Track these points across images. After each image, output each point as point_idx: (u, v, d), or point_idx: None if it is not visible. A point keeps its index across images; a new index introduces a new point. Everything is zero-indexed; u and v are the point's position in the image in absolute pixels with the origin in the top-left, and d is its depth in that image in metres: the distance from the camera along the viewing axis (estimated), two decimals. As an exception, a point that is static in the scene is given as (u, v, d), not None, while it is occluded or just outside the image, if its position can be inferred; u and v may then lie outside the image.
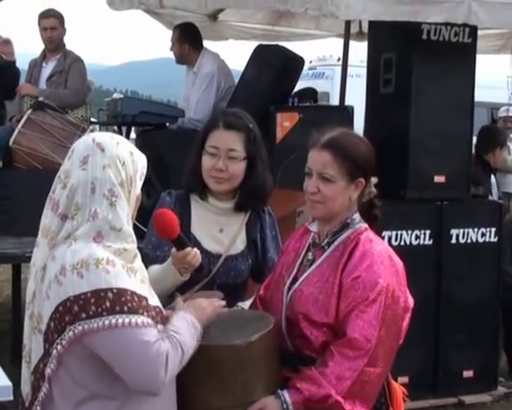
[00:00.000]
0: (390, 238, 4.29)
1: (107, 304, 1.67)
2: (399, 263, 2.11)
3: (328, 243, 2.14)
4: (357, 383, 1.95)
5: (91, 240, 1.73)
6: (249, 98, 4.52)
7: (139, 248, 1.87)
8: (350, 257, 2.07)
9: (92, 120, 5.61)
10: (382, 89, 4.61)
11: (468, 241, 4.53)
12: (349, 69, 6.53)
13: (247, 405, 1.95)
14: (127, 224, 1.78)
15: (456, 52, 4.48)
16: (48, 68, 5.39)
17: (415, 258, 4.28)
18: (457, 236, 4.51)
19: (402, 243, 4.35)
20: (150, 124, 5.09)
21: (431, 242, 4.45)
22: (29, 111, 4.68)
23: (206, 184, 2.44)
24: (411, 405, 3.89)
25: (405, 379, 4.09)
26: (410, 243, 4.39)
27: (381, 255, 2.05)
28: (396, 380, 2.29)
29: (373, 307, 1.98)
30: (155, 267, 2.30)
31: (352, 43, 6.23)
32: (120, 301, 1.68)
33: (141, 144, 5.02)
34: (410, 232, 4.38)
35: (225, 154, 2.39)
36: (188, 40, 5.32)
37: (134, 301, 1.71)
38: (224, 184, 2.42)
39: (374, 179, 2.18)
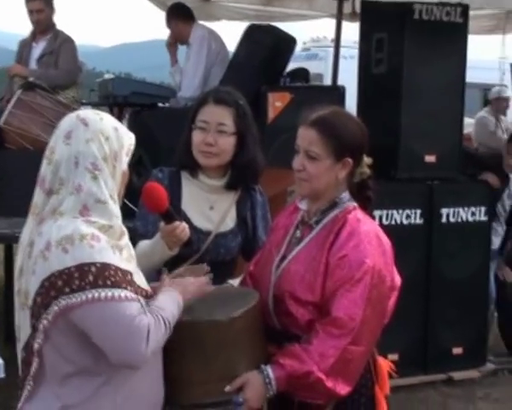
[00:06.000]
0: (381, 218, 4.31)
1: (91, 278, 1.68)
2: (387, 242, 2.10)
3: (317, 221, 2.14)
4: (341, 362, 1.96)
5: (77, 214, 1.74)
6: (241, 78, 4.49)
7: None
8: (337, 236, 2.06)
9: (83, 101, 5.58)
10: (374, 69, 4.61)
11: (459, 220, 4.56)
12: (343, 50, 6.53)
13: (230, 379, 1.96)
14: (111, 198, 1.79)
15: (447, 32, 4.49)
16: (38, 48, 5.36)
17: (406, 237, 4.32)
18: (448, 215, 4.54)
19: (393, 222, 4.38)
20: (142, 104, 5.07)
21: (422, 221, 4.48)
22: (19, 91, 4.64)
23: (196, 159, 2.45)
24: (401, 381, 3.97)
25: (395, 356, 4.13)
26: (401, 222, 4.42)
27: (368, 235, 2.05)
28: (386, 357, 2.31)
29: (358, 286, 1.98)
30: (145, 242, 2.31)
31: (346, 24, 6.22)
32: (104, 275, 1.70)
33: (132, 124, 5.01)
34: (400, 212, 4.41)
35: (215, 128, 2.40)
36: (177, 16, 5.33)
37: (117, 276, 1.72)
38: (212, 159, 2.42)
39: (367, 160, 2.16)
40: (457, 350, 4.58)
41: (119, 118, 5.24)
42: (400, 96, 4.42)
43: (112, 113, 5.23)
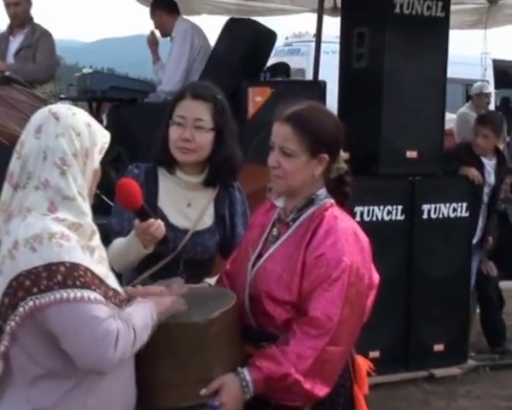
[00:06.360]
0: (362, 214, 4.29)
1: (59, 278, 1.63)
2: (365, 240, 2.06)
3: (293, 218, 2.10)
4: (318, 362, 1.92)
5: (46, 211, 1.70)
6: (220, 73, 4.45)
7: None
8: (314, 234, 2.02)
9: (62, 96, 5.51)
10: (355, 63, 4.59)
11: (440, 216, 4.56)
12: (325, 45, 6.50)
13: (207, 382, 1.92)
14: (80, 195, 1.74)
15: (429, 26, 4.48)
16: (15, 43, 5.32)
17: (387, 233, 4.31)
18: (429, 211, 4.53)
19: (374, 218, 4.36)
20: (121, 99, 5.01)
21: (403, 217, 4.46)
22: (-5, 86, 4.57)
23: (173, 155, 2.39)
24: (382, 379, 3.96)
25: (376, 353, 4.12)
26: (383, 218, 4.40)
27: (345, 232, 2.01)
28: (367, 355, 2.27)
29: (336, 285, 1.94)
30: (119, 240, 2.26)
31: (328, 18, 6.20)
32: (73, 275, 1.65)
33: (111, 120, 4.95)
34: (382, 208, 4.39)
35: (192, 123, 2.35)
36: (161, 7, 5.25)
37: (87, 277, 1.67)
38: (190, 155, 2.37)
39: (344, 155, 2.11)
40: (439, 347, 4.57)
41: (98, 113, 5.18)
42: (381, 91, 4.40)
43: (91, 108, 5.17)
